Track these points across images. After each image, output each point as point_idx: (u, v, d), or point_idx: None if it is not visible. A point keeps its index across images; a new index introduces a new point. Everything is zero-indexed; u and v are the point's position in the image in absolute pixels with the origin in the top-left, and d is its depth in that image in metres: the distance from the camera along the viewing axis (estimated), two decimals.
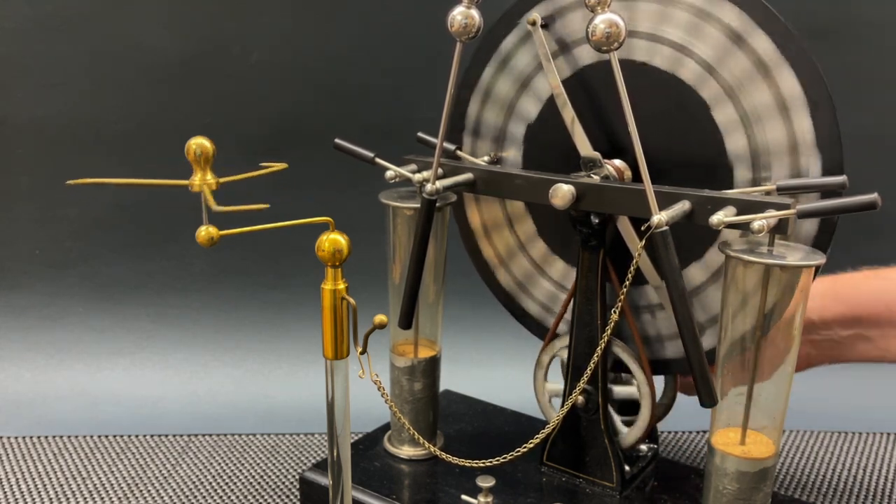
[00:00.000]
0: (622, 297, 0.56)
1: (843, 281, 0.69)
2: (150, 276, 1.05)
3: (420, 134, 0.71)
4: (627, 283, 0.54)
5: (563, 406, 0.63)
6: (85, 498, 0.77)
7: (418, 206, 0.62)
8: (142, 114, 1.01)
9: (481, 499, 0.59)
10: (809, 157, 0.54)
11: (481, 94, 0.69)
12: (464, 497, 0.60)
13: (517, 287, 0.73)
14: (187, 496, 0.78)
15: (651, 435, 0.70)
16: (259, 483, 0.80)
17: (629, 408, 0.68)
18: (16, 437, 0.88)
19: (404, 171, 0.65)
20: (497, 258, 0.73)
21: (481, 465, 0.59)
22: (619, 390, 0.67)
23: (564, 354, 0.68)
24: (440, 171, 0.62)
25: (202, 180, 0.47)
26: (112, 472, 0.82)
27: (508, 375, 1.00)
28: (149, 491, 0.79)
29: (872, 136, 0.98)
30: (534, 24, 0.62)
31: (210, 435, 0.90)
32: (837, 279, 0.70)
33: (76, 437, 0.89)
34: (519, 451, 0.59)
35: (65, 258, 1.04)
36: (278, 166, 0.51)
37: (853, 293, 0.68)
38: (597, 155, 0.60)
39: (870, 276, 0.69)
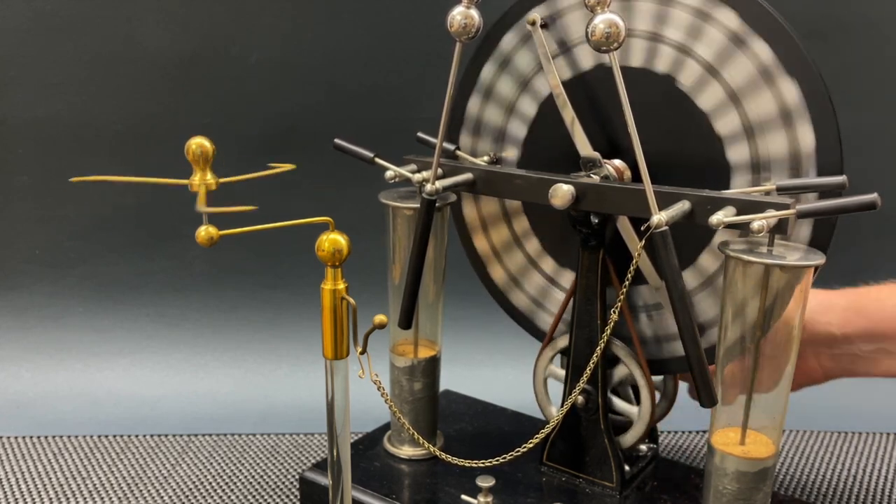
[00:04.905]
0: (622, 296, 0.56)
1: (867, 295, 0.67)
2: (150, 276, 1.05)
3: (420, 134, 0.71)
4: (627, 282, 0.54)
5: (562, 406, 0.63)
6: (85, 498, 0.77)
7: (418, 206, 0.62)
8: (142, 114, 1.01)
9: (481, 499, 0.59)
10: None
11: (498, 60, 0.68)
12: (464, 497, 0.60)
13: (509, 281, 0.73)
14: (187, 496, 0.78)
15: (651, 435, 0.70)
16: (259, 483, 0.80)
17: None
18: (16, 437, 0.88)
19: (404, 171, 0.65)
20: (491, 252, 0.73)
21: (481, 465, 0.59)
22: (619, 404, 0.67)
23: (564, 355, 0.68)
24: (440, 171, 0.62)
25: (202, 180, 0.46)
26: (112, 472, 0.82)
27: (508, 375, 1.00)
28: (149, 491, 0.79)
29: (872, 136, 0.98)
30: (533, 24, 0.62)
31: (210, 435, 0.90)
32: (861, 293, 0.67)
33: (76, 437, 0.89)
34: (519, 451, 0.59)
35: (65, 258, 1.04)
36: (285, 167, 0.51)
37: (878, 307, 0.65)
38: (596, 155, 0.60)
39: (895, 291, 0.66)
